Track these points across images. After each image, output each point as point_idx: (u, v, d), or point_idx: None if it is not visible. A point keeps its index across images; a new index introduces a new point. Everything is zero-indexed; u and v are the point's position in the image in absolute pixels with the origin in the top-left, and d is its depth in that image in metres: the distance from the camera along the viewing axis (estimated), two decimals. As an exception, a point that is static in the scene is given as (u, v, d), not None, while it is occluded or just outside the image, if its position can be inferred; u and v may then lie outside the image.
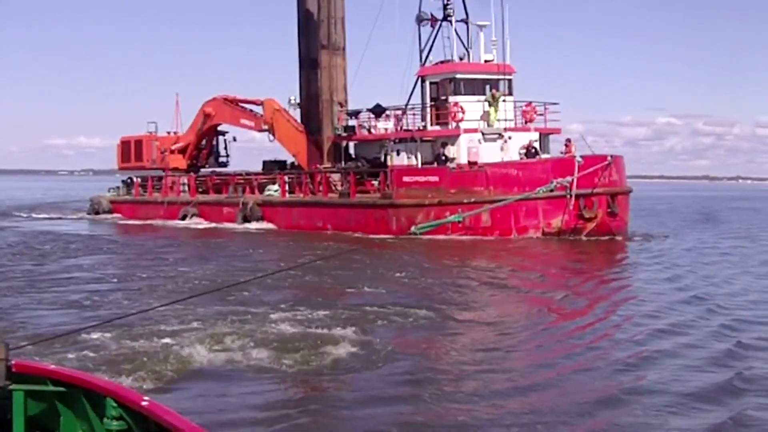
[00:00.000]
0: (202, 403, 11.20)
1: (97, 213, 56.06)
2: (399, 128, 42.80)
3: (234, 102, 51.79)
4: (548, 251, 32.49)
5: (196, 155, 54.98)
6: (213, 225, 46.25)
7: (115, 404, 4.69)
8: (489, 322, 17.65)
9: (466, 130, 39.36)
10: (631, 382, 12.35)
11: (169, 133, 56.02)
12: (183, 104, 62.73)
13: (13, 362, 4.97)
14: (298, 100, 49.33)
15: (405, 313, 17.55)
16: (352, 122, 45.65)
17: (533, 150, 39.14)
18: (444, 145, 39.57)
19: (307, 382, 12.60)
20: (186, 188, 52.01)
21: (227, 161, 56.07)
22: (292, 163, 48.85)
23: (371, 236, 36.79)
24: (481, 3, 49.72)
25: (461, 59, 42.02)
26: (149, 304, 17.99)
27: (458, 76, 40.70)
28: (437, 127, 40.91)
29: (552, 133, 42.14)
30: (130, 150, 56.65)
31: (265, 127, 48.86)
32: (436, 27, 42.24)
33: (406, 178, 38.61)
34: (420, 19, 42.50)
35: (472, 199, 36.51)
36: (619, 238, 35.63)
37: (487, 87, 40.65)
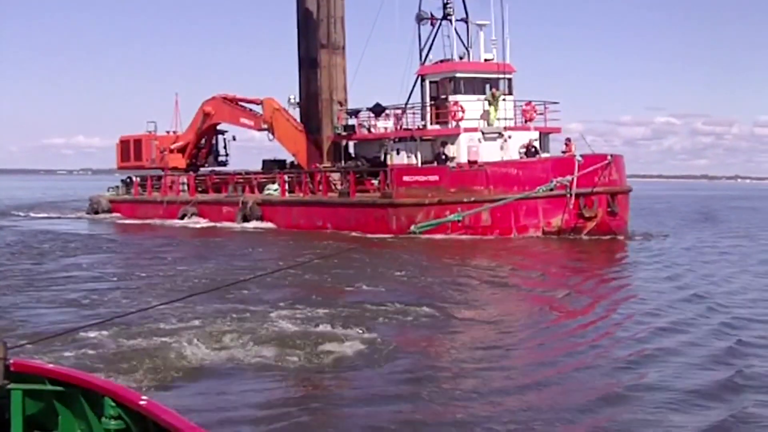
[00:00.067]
0: (201, 402, 11.18)
1: (97, 212, 56.02)
2: (399, 127, 42.77)
3: (233, 101, 51.75)
4: (548, 250, 32.48)
5: (196, 154, 54.93)
6: (212, 224, 46.21)
7: (113, 404, 4.69)
8: (489, 320, 17.64)
9: (466, 129, 39.32)
10: (632, 380, 12.34)
11: (168, 132, 55.96)
12: (182, 103, 62.58)
13: (11, 361, 4.97)
14: (297, 100, 49.30)
15: (405, 312, 17.55)
16: (352, 121, 45.59)
17: (533, 149, 39.12)
18: (444, 144, 39.54)
19: (307, 380, 12.60)
20: (185, 187, 51.97)
21: (227, 160, 56.03)
22: (292, 162, 48.81)
23: (371, 235, 36.75)
24: (481, 2, 49.73)
25: (461, 58, 41.98)
26: (148, 303, 18.00)
27: (458, 75, 40.66)
28: (437, 126, 40.88)
29: (552, 133, 42.13)
30: (130, 149, 56.61)
31: (265, 126, 48.83)
32: (436, 26, 42.25)
33: (406, 178, 38.58)
34: (420, 18, 42.48)
35: (472, 199, 36.48)
36: (620, 237, 35.60)
37: (487, 86, 40.62)
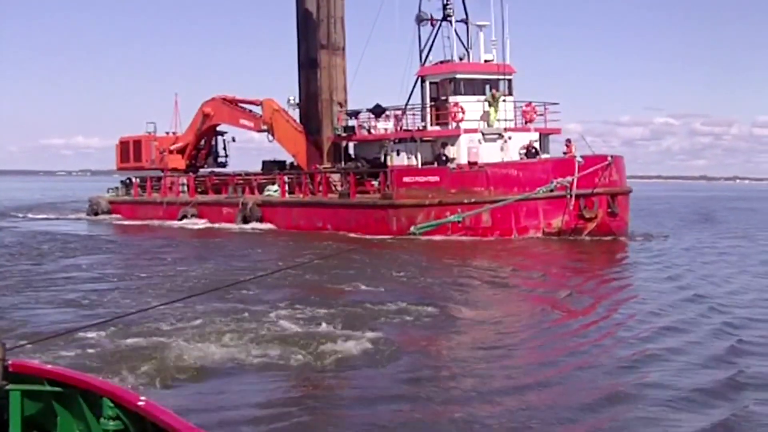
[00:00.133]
0: (201, 402, 11.16)
1: (96, 213, 55.99)
2: (399, 128, 42.75)
3: (233, 102, 51.75)
4: (549, 251, 32.47)
5: (195, 155, 54.94)
6: (212, 225, 46.19)
7: (111, 404, 4.69)
8: (490, 320, 17.64)
9: (466, 130, 39.30)
10: (634, 379, 12.35)
11: (168, 133, 55.96)
12: (182, 104, 62.87)
13: (10, 362, 4.96)
14: (297, 100, 49.28)
15: (406, 312, 17.55)
16: (352, 122, 45.60)
17: (533, 150, 39.11)
18: (444, 145, 39.53)
19: (307, 379, 12.58)
20: (185, 188, 51.96)
21: (226, 161, 56.05)
22: (292, 163, 48.81)
23: (371, 237, 36.72)
24: (481, 3, 49.70)
25: (461, 59, 41.98)
26: (148, 303, 17.98)
27: (458, 76, 40.65)
28: (437, 127, 40.86)
29: (552, 134, 42.12)
30: (129, 150, 56.60)
31: (265, 127, 48.81)
32: (436, 27, 42.21)
33: (406, 179, 38.57)
34: (420, 19, 42.45)
35: (473, 200, 36.46)
36: (620, 238, 35.59)
37: (487, 87, 40.61)
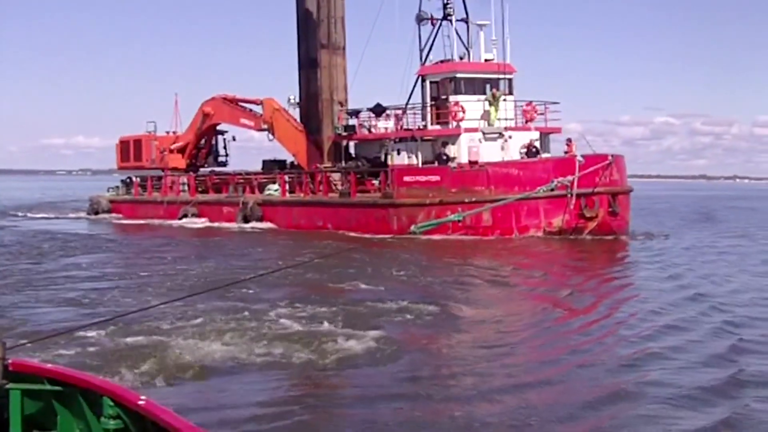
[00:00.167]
0: (201, 401, 11.15)
1: (97, 213, 55.99)
2: (399, 128, 42.73)
3: (233, 101, 51.71)
4: (550, 250, 32.44)
5: (196, 155, 54.91)
6: (213, 224, 46.18)
7: (112, 403, 4.69)
8: (491, 319, 17.66)
9: (467, 130, 39.28)
10: (635, 378, 12.34)
11: (168, 132, 55.93)
12: (182, 104, 62.73)
13: (10, 361, 4.98)
14: (297, 100, 49.25)
15: (407, 311, 17.54)
16: (353, 122, 45.56)
17: (534, 149, 39.08)
18: (444, 144, 39.50)
19: (308, 378, 12.58)
20: (185, 188, 51.94)
21: (226, 161, 56.00)
22: (292, 162, 48.78)
23: (372, 236, 36.69)
24: (481, 2, 49.77)
25: (461, 58, 41.95)
26: (148, 302, 17.99)
27: (458, 75, 40.63)
28: (438, 127, 40.85)
29: (552, 133, 42.09)
30: (130, 150, 56.58)
31: (265, 126, 48.79)
32: (436, 26, 42.21)
33: (406, 178, 38.55)
34: (420, 19, 42.44)
35: (473, 199, 36.44)
36: (621, 237, 35.56)
37: (488, 86, 40.58)
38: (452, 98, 40.23)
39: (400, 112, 42.96)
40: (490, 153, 38.65)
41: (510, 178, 36.62)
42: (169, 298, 15.59)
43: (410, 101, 42.32)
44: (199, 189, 51.19)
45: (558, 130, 42.34)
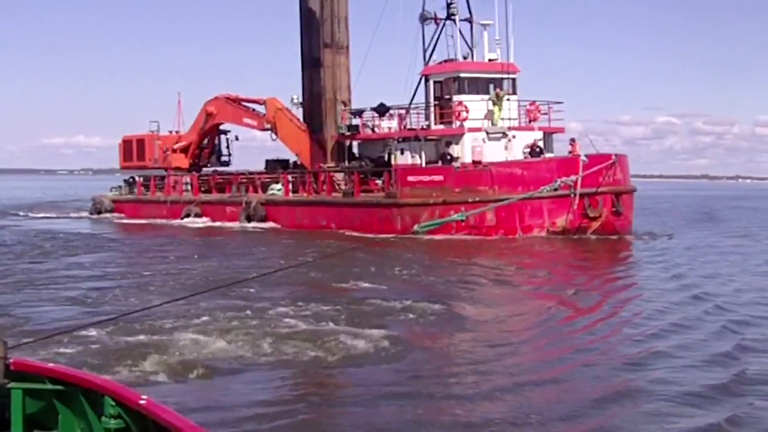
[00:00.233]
0: (204, 400, 11.14)
1: (100, 212, 56.02)
2: (403, 127, 42.72)
3: (236, 101, 51.72)
4: (553, 250, 32.41)
5: (199, 154, 54.91)
6: (216, 224, 46.19)
7: (113, 403, 4.69)
8: (495, 318, 17.66)
9: (470, 129, 39.25)
10: (639, 377, 12.34)
11: (171, 132, 55.96)
12: (185, 103, 62.67)
13: (11, 360, 4.99)
14: (300, 99, 49.21)
15: (411, 310, 17.54)
16: (356, 121, 45.55)
17: (537, 149, 39.05)
18: (448, 144, 39.48)
19: (312, 377, 12.57)
20: (188, 187, 51.95)
21: (229, 160, 55.97)
22: (295, 162, 48.78)
23: (375, 236, 36.68)
24: (485, 2, 49.80)
25: (465, 58, 41.93)
26: (150, 301, 17.98)
27: (462, 75, 40.60)
28: (441, 126, 40.84)
29: (556, 132, 42.05)
30: (132, 149, 56.61)
31: (268, 126, 48.75)
32: (440, 26, 42.21)
33: (410, 178, 38.53)
34: (423, 18, 42.43)
35: (477, 199, 36.41)
36: (626, 237, 35.54)
37: (491, 86, 40.54)
38: (456, 98, 40.22)
39: (403, 111, 42.98)
40: (494, 153, 38.63)
41: (514, 177, 36.58)
42: (172, 298, 15.56)
43: (414, 101, 42.37)
44: (202, 189, 51.20)
45: (561, 130, 42.33)
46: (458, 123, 39.76)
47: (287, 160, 49.77)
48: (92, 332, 14.25)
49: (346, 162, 44.94)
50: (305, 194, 44.48)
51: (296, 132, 47.61)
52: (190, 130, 54.44)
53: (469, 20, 42.75)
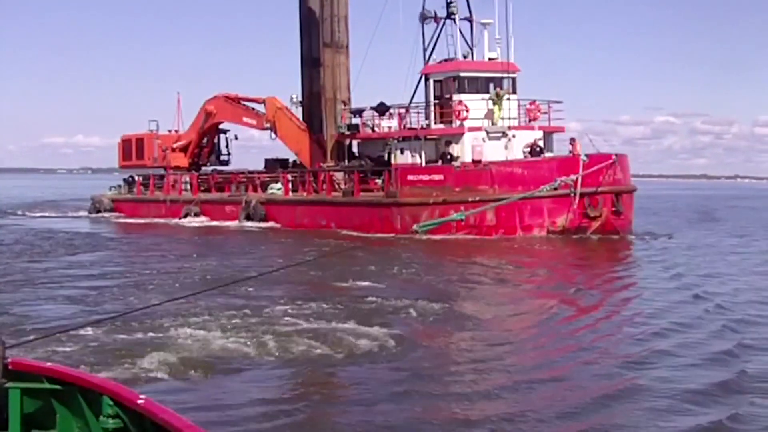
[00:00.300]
0: (204, 398, 11.12)
1: (99, 211, 55.99)
2: (403, 126, 42.72)
3: (236, 100, 51.71)
4: (553, 249, 32.46)
5: (198, 153, 54.90)
6: (215, 223, 46.16)
7: (111, 402, 4.68)
8: (496, 317, 17.70)
9: (470, 129, 39.23)
10: (639, 377, 12.33)
11: (170, 131, 55.95)
12: (184, 103, 62.69)
13: (9, 360, 4.96)
14: (300, 99, 49.21)
15: (412, 309, 17.53)
16: (356, 120, 45.53)
17: (538, 148, 39.02)
18: (448, 143, 39.45)
19: (311, 376, 12.55)
20: (188, 186, 51.93)
21: (229, 159, 55.98)
22: (294, 161, 48.76)
23: (375, 235, 36.66)
24: (485, 1, 49.77)
25: (465, 57, 41.92)
26: (150, 301, 17.92)
27: (462, 74, 40.59)
28: (441, 126, 40.82)
29: (556, 132, 42.02)
30: (132, 148, 56.60)
31: (267, 125, 48.74)
32: (440, 25, 42.22)
33: (410, 177, 38.51)
34: (423, 17, 42.42)
35: (477, 198, 36.38)
36: (626, 237, 35.52)
37: (491, 85, 40.53)
38: (456, 97, 40.20)
39: (403, 111, 42.97)
40: (494, 152, 38.61)
41: (514, 177, 36.56)
42: (172, 296, 15.55)
43: (414, 100, 42.37)
44: (202, 188, 51.19)
45: (561, 129, 42.31)
46: (458, 122, 39.74)
47: (287, 160, 49.76)
48: (91, 331, 14.22)
49: (346, 161, 44.93)
50: (305, 194, 44.47)
51: (296, 131, 47.59)
52: (190, 130, 54.43)
53: (469, 19, 42.75)
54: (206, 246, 34.11)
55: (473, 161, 37.99)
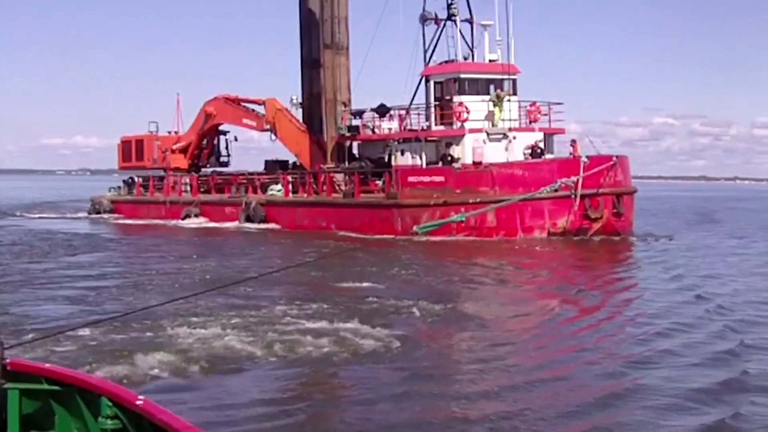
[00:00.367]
0: (203, 399, 11.10)
1: (98, 213, 55.99)
2: (403, 128, 42.71)
3: (235, 101, 51.69)
4: (554, 251, 32.47)
5: (198, 155, 54.89)
6: (215, 225, 46.12)
7: (110, 403, 4.67)
8: (497, 318, 17.70)
9: (471, 130, 39.23)
10: (640, 377, 12.32)
11: (170, 132, 55.93)
12: (184, 104, 62.50)
13: (8, 360, 4.96)
14: (300, 100, 49.20)
15: (413, 310, 17.53)
16: (356, 122, 45.52)
17: (538, 150, 39.01)
18: (448, 145, 39.46)
19: (311, 376, 12.54)
20: (188, 188, 51.91)
21: (228, 161, 55.98)
22: (294, 162, 48.74)
23: (376, 236, 36.63)
24: (485, 2, 49.69)
25: (465, 59, 41.92)
26: (149, 301, 17.93)
27: (462, 75, 40.59)
28: (442, 127, 40.82)
29: (556, 133, 42.01)
30: (131, 149, 56.57)
31: (267, 126, 48.72)
32: (440, 26, 42.24)
33: (411, 178, 38.49)
34: (424, 19, 42.45)
35: (478, 200, 36.35)
36: (627, 239, 35.51)
37: (492, 87, 40.53)
38: (456, 99, 40.19)
39: (403, 112, 42.98)
40: (495, 154, 38.61)
41: (514, 178, 36.55)
42: (171, 297, 15.51)
43: (414, 102, 42.36)
44: (202, 189, 51.17)
45: (562, 131, 42.31)
46: (459, 124, 39.73)
47: (287, 161, 49.76)
48: (90, 332, 14.21)
49: (346, 163, 44.91)
50: (305, 195, 44.45)
51: (296, 133, 47.58)
52: (190, 131, 54.41)
53: (470, 21, 42.74)
54: (206, 247, 34.09)
55: (474, 163, 37.98)
